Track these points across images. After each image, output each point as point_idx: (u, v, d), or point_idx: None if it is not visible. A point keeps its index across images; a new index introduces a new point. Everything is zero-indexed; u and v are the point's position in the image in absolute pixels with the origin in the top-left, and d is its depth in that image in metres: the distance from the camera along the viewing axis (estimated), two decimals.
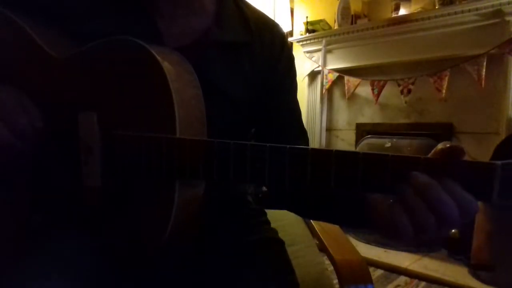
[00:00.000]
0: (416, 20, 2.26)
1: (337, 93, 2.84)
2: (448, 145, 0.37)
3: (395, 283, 1.96)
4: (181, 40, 0.56)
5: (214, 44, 0.57)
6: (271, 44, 0.63)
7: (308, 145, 0.66)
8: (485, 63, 2.00)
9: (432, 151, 0.38)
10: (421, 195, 0.36)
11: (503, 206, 0.36)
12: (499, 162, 0.34)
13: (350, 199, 0.51)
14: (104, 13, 0.55)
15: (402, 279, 2.01)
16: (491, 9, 1.98)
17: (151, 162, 0.46)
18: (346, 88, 2.61)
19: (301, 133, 0.68)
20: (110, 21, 0.54)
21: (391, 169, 0.37)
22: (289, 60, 0.67)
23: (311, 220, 0.89)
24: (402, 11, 2.40)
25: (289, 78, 0.67)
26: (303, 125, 0.69)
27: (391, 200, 0.39)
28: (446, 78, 2.13)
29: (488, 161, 0.35)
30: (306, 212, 0.67)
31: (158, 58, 0.46)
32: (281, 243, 0.68)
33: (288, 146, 0.40)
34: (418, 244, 2.30)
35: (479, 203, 0.36)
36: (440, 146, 0.37)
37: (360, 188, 0.38)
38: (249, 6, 0.65)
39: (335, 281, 0.75)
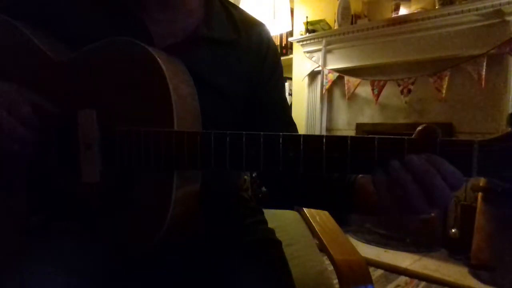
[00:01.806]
0: (416, 20, 2.26)
1: (337, 93, 2.84)
2: (423, 126, 0.41)
3: (395, 283, 1.96)
4: (171, 39, 0.58)
5: (203, 41, 0.60)
6: (258, 43, 0.66)
7: None
8: (485, 63, 2.00)
9: (415, 132, 0.41)
10: (410, 172, 0.38)
11: (493, 182, 0.38)
12: (477, 140, 0.38)
13: (340, 183, 0.53)
14: (96, 18, 0.57)
15: (402, 279, 2.01)
16: (491, 9, 1.97)
17: (150, 155, 0.47)
18: (346, 88, 2.61)
19: (290, 126, 0.70)
20: (101, 26, 0.56)
21: (377, 150, 0.40)
22: (275, 57, 0.70)
23: (311, 219, 0.89)
24: (402, 11, 2.40)
25: (276, 75, 0.69)
26: (291, 119, 0.72)
27: (375, 178, 0.42)
28: (446, 78, 2.13)
29: (467, 139, 0.38)
30: (300, 199, 0.68)
31: (157, 57, 0.48)
32: (278, 243, 0.68)
33: (281, 133, 0.42)
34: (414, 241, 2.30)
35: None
36: (418, 128, 0.41)
37: (350, 170, 0.41)
38: (235, 7, 0.68)
39: (335, 281, 0.75)
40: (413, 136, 0.40)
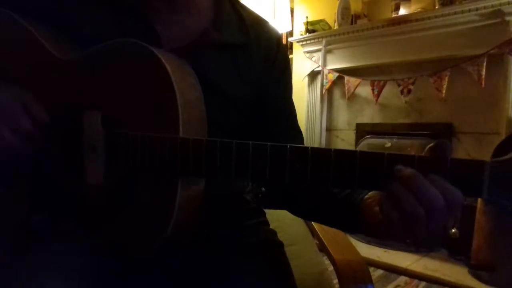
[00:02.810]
0: (416, 20, 2.26)
1: (337, 93, 2.84)
2: (434, 142, 0.39)
3: (395, 283, 1.96)
4: (179, 42, 0.57)
5: (212, 45, 0.58)
6: (267, 45, 0.64)
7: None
8: (485, 63, 1.99)
9: (425, 150, 0.40)
10: (407, 186, 0.38)
11: (496, 203, 0.38)
12: (488, 161, 0.36)
13: (346, 202, 0.51)
14: (103, 18, 0.56)
15: (402, 279, 2.01)
16: (491, 9, 1.98)
17: (154, 161, 0.46)
18: (346, 88, 2.61)
19: (296, 134, 0.69)
20: (109, 25, 0.55)
21: (386, 166, 0.39)
22: (285, 61, 0.68)
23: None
24: (402, 11, 2.40)
25: (285, 79, 0.68)
26: (298, 125, 0.70)
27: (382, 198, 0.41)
28: (446, 78, 2.13)
29: (478, 159, 0.37)
30: (304, 214, 0.67)
31: (163, 60, 0.47)
32: (280, 245, 0.68)
33: (288, 145, 0.41)
34: (414, 242, 2.30)
35: (480, 205, 0.37)
36: (429, 145, 0.40)
37: (357, 185, 0.40)
38: (245, 8, 0.66)
39: (335, 281, 0.74)
40: (423, 154, 0.40)
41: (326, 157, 0.40)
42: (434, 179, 0.38)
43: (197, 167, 0.44)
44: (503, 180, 0.36)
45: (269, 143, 0.42)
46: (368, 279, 0.69)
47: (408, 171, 0.38)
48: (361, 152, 0.39)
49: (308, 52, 2.85)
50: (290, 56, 3.05)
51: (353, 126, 2.77)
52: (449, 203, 0.37)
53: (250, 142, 0.43)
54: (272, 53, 0.64)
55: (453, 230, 2.16)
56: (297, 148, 0.41)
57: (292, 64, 3.01)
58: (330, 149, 0.40)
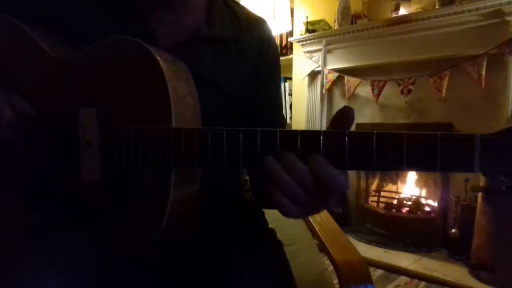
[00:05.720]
0: (416, 20, 2.26)
1: (337, 93, 2.84)
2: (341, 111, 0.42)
3: (395, 283, 1.97)
4: (174, 39, 0.58)
5: (205, 41, 0.60)
6: (260, 39, 0.67)
7: None
8: (485, 63, 2.00)
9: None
10: (284, 167, 0.40)
11: (490, 177, 0.37)
12: (478, 134, 0.36)
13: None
14: (99, 17, 0.57)
15: (402, 279, 2.01)
16: (491, 9, 1.98)
17: (148, 153, 0.47)
18: (346, 88, 2.61)
19: (283, 126, 0.72)
20: (105, 24, 0.56)
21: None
22: (275, 54, 0.71)
23: (311, 219, 0.89)
24: (402, 11, 2.40)
25: (275, 72, 0.70)
26: (284, 118, 0.73)
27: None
28: (446, 78, 2.13)
29: (469, 133, 0.37)
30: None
31: (156, 56, 0.48)
32: (279, 245, 0.68)
33: (278, 129, 0.42)
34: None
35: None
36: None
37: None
38: (239, 5, 0.69)
39: (335, 281, 0.75)
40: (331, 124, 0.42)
41: (316, 139, 0.42)
42: (311, 157, 0.39)
43: (189, 155, 0.45)
44: (494, 153, 0.35)
45: (259, 128, 0.43)
46: (368, 279, 0.69)
47: (287, 154, 0.40)
48: (381, 133, 0.41)
49: (308, 52, 2.85)
50: (290, 56, 3.05)
51: (353, 126, 2.76)
52: (322, 181, 0.39)
53: (241, 128, 0.43)
54: (263, 47, 0.67)
55: (453, 230, 2.17)
56: (288, 132, 0.43)
57: (292, 64, 3.01)
58: (319, 131, 0.41)
